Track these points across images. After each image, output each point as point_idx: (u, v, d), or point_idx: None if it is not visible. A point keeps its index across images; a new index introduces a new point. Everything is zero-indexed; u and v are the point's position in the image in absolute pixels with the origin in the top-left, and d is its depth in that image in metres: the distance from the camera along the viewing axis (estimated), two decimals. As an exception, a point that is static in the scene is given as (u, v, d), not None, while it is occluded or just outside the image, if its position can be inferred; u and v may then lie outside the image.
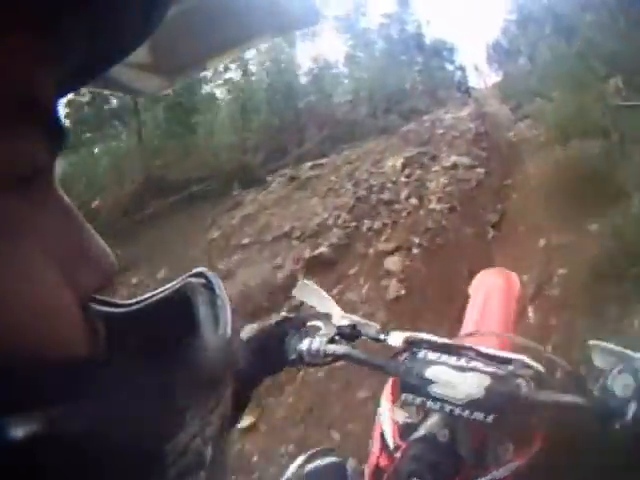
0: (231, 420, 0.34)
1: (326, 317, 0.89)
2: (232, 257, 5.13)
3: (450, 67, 27.55)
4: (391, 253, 4.54)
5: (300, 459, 1.01)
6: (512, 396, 0.72)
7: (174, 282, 0.35)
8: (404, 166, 6.74)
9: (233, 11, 0.40)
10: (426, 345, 0.83)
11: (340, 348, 0.85)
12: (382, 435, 0.89)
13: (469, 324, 1.27)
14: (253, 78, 12.34)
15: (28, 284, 0.20)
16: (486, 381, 0.75)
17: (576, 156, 4.71)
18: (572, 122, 5.35)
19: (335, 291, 3.98)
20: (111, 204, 6.72)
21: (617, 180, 3.55)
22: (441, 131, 9.78)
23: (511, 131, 9.37)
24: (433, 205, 5.41)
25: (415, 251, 4.55)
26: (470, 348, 0.80)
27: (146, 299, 0.34)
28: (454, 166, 6.68)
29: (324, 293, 0.94)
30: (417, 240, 4.66)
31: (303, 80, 13.82)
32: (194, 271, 0.36)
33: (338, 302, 0.97)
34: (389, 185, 6.24)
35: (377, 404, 0.94)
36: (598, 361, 0.74)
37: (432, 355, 0.81)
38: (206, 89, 10.34)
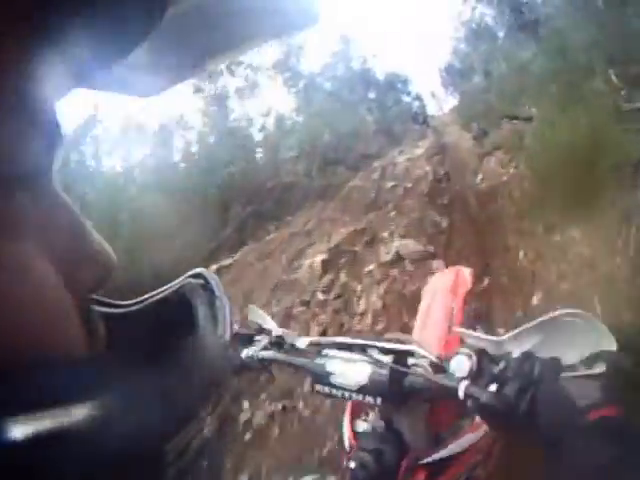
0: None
1: (268, 332, 1.00)
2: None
3: (407, 99, 26.23)
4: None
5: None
6: (392, 381, 0.80)
7: (173, 283, 0.34)
8: (325, 269, 4.83)
9: (233, 12, 0.39)
10: (328, 345, 0.92)
11: (268, 353, 0.95)
12: (347, 437, 0.92)
13: (417, 325, 1.33)
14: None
15: (26, 284, 0.20)
16: (368, 369, 0.82)
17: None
18: (569, 148, 3.80)
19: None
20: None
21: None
22: (391, 184, 8.53)
23: (478, 173, 7.38)
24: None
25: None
26: (367, 345, 0.87)
27: (146, 299, 0.33)
28: (397, 259, 4.78)
29: (267, 316, 1.07)
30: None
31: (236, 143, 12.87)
32: (193, 271, 0.35)
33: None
34: (298, 310, 4.47)
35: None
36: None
37: (331, 352, 0.89)
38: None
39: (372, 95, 24.40)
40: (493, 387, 0.70)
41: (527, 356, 0.70)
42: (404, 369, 0.81)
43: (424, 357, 0.84)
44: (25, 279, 0.20)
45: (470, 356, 0.76)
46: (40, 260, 0.21)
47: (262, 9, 0.40)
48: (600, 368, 0.72)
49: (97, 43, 0.23)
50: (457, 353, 0.77)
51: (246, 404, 2.92)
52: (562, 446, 0.61)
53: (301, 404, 2.96)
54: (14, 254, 0.20)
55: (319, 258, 5.12)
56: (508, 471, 1.03)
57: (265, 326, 1.05)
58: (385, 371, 0.81)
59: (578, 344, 0.73)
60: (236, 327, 1.17)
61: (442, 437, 0.91)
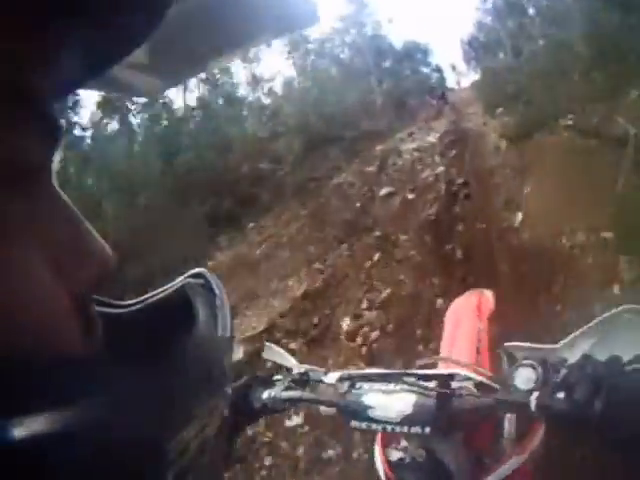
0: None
1: (288, 371, 0.96)
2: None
3: (425, 70, 24.46)
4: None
5: None
6: (440, 407, 0.75)
7: (173, 283, 0.34)
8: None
9: (233, 12, 0.39)
10: (360, 378, 0.87)
11: (293, 393, 0.90)
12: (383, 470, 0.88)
13: (443, 350, 1.29)
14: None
15: (23, 283, 0.21)
16: (412, 398, 0.78)
17: None
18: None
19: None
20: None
21: None
22: (387, 190, 6.57)
23: (518, 207, 4.66)
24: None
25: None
26: (405, 373, 0.83)
27: (146, 299, 0.34)
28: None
29: (283, 351, 1.05)
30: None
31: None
32: (193, 271, 0.36)
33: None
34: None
35: None
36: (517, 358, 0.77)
37: (366, 385, 0.85)
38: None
39: (387, 64, 22.49)
40: (561, 395, 0.65)
41: (586, 358, 0.67)
42: (451, 392, 0.75)
43: (469, 379, 0.77)
44: (21, 278, 0.20)
45: (534, 367, 0.71)
46: (36, 259, 0.21)
47: (262, 9, 0.40)
48: None
49: (98, 43, 0.24)
50: (519, 366, 0.72)
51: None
52: None
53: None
54: (9, 253, 0.20)
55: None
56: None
57: (285, 364, 0.98)
58: (431, 397, 0.76)
59: (636, 341, 0.70)
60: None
61: (485, 463, 0.84)
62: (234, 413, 0.90)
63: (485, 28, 18.86)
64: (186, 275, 0.36)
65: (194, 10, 0.35)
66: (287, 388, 0.91)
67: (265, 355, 1.07)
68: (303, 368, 0.95)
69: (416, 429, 0.76)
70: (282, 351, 1.03)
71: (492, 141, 7.70)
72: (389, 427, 0.78)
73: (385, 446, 0.90)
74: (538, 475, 0.92)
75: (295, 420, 2.77)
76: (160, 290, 0.35)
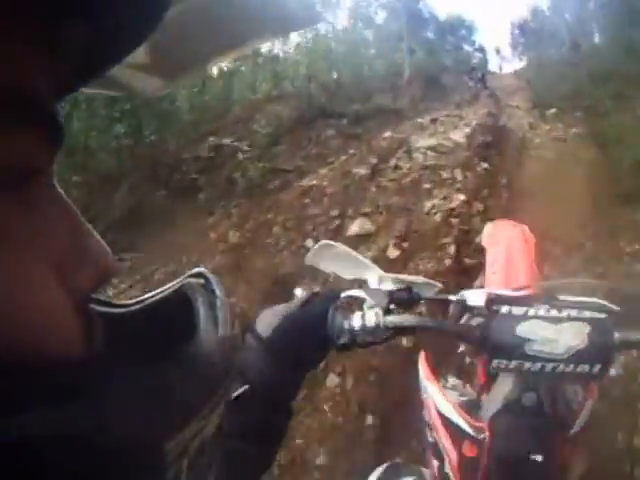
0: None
1: (364, 284, 0.73)
2: None
3: (467, 48, 20.80)
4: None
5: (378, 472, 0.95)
6: (612, 341, 0.66)
7: (173, 282, 0.35)
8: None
9: (233, 11, 0.38)
10: (504, 300, 0.70)
11: (405, 318, 0.68)
12: (446, 424, 0.77)
13: (494, 277, 1.15)
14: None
15: (24, 285, 0.21)
16: (586, 329, 0.65)
17: None
18: None
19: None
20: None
21: None
22: (357, 230, 4.19)
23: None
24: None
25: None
26: (553, 297, 0.71)
27: (146, 299, 0.35)
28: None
29: (354, 253, 0.75)
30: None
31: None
32: (193, 271, 0.37)
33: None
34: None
35: None
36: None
37: (518, 310, 0.68)
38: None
39: (425, 34, 20.39)
40: None
41: None
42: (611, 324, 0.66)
43: (605, 308, 0.69)
44: (21, 280, 0.21)
45: None
46: (37, 262, 0.22)
47: (262, 9, 0.39)
48: None
49: (97, 43, 0.25)
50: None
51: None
52: None
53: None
54: (10, 255, 0.21)
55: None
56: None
57: (351, 276, 0.75)
58: (605, 329, 0.66)
59: None
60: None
61: (571, 406, 0.77)
62: (298, 351, 0.67)
63: (540, 15, 17.67)
64: (186, 275, 0.36)
65: (194, 10, 0.34)
66: (388, 311, 0.69)
67: (310, 260, 0.77)
68: (395, 280, 0.71)
69: (585, 367, 0.65)
70: (350, 251, 0.75)
71: (545, 157, 5.00)
72: (549, 365, 0.65)
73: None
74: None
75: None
76: (160, 290, 0.35)
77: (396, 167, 5.37)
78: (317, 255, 0.78)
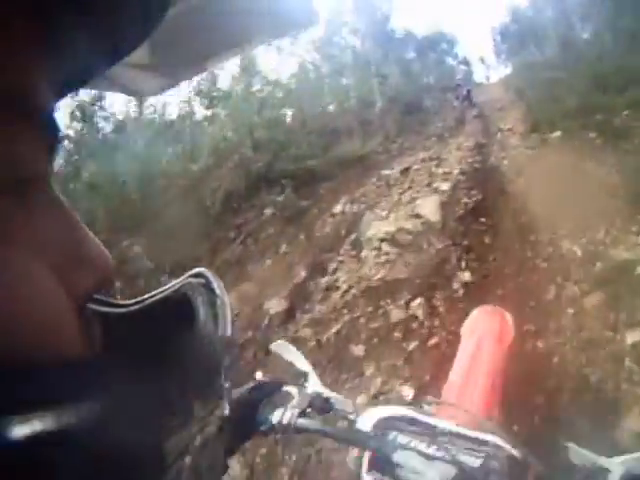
0: None
1: (303, 378, 0.85)
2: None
3: (452, 62, 19.79)
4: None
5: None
6: None
7: (174, 282, 0.36)
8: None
9: (233, 12, 0.38)
10: (399, 426, 0.78)
11: (312, 423, 0.77)
12: None
13: (457, 373, 1.21)
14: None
15: (24, 287, 0.21)
16: (452, 472, 0.70)
17: None
18: None
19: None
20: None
21: None
22: None
23: None
24: None
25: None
26: (446, 431, 0.76)
27: (146, 299, 0.35)
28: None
29: (299, 354, 0.91)
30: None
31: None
32: (194, 271, 0.37)
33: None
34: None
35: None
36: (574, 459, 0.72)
37: (403, 439, 0.75)
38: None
39: (401, 55, 18.25)
40: None
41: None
42: (488, 471, 0.71)
43: (502, 450, 0.73)
44: (21, 282, 0.21)
45: None
46: (37, 264, 0.23)
47: (261, 9, 0.39)
48: None
49: (97, 43, 0.25)
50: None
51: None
52: None
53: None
54: (10, 257, 0.21)
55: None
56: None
57: (298, 368, 0.88)
58: (472, 475, 0.71)
59: None
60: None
61: None
62: (234, 431, 0.73)
63: (521, 16, 16.30)
64: (187, 275, 0.37)
65: (194, 10, 0.34)
66: (303, 414, 0.78)
67: (275, 348, 0.93)
68: (323, 389, 0.84)
69: None
70: (296, 351, 0.91)
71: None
72: None
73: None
74: None
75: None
76: (160, 290, 0.36)
77: (327, 289, 3.29)
78: (278, 347, 0.88)
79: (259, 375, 0.91)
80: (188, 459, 0.25)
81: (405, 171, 6.83)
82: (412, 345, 3.00)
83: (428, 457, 0.71)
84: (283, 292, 4.22)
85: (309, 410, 0.77)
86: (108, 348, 0.27)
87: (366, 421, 0.77)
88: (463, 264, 3.94)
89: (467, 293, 3.58)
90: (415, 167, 6.87)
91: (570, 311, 3.01)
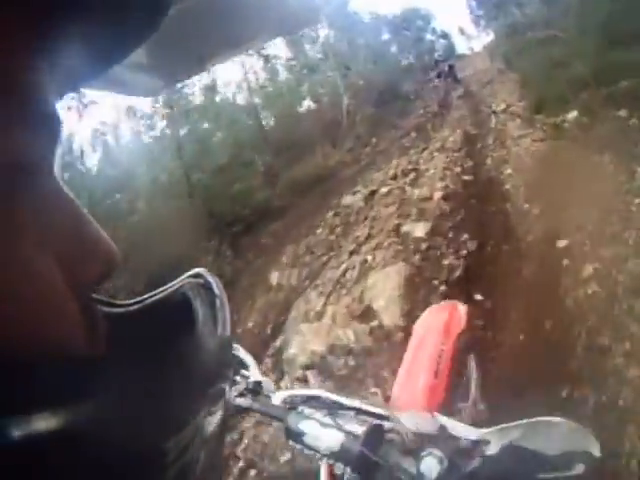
0: None
1: (246, 376, 0.98)
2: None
3: (431, 37, 17.18)
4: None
5: None
6: (361, 457, 0.77)
7: (173, 282, 0.36)
8: None
9: (233, 12, 0.38)
10: (303, 402, 0.91)
11: (244, 401, 0.94)
12: None
13: (403, 366, 1.30)
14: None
15: (29, 281, 0.21)
16: (341, 437, 0.81)
17: None
18: None
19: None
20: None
21: None
22: None
23: None
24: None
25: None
26: (345, 406, 0.86)
27: (145, 299, 0.36)
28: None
29: (250, 357, 1.04)
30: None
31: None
32: (193, 271, 0.38)
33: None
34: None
35: None
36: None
37: (307, 411, 0.89)
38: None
39: (383, 38, 16.65)
40: None
41: (505, 451, 0.69)
42: (377, 441, 0.80)
43: (400, 432, 0.82)
44: (24, 276, 0.21)
45: (441, 460, 0.75)
46: (41, 256, 0.23)
47: (262, 9, 0.39)
48: (578, 469, 0.73)
49: (98, 43, 0.25)
50: (429, 454, 0.77)
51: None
52: None
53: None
54: (13, 250, 0.21)
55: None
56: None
57: (245, 368, 1.04)
58: (356, 444, 0.81)
59: (560, 441, 0.73)
60: None
61: None
62: None
63: None
64: (186, 275, 0.37)
65: (194, 10, 0.33)
66: (240, 394, 0.96)
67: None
68: (259, 378, 1.00)
69: (340, 466, 0.83)
70: (246, 353, 1.06)
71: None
72: (318, 455, 0.86)
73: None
74: None
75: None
76: (160, 290, 0.36)
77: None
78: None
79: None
80: (188, 459, 0.24)
81: (370, 197, 5.13)
82: None
83: (323, 425, 0.81)
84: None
85: (245, 392, 0.90)
86: (108, 348, 0.27)
87: (278, 397, 0.90)
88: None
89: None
90: (383, 190, 5.08)
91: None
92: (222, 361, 0.30)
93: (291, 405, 0.86)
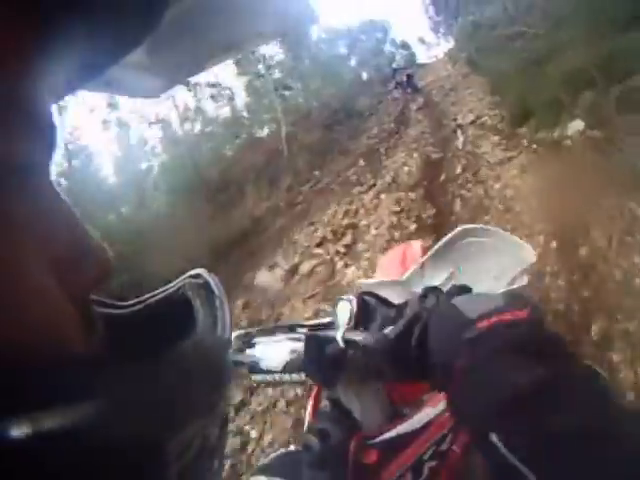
0: None
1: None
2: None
3: (391, 49, 16.28)
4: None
5: None
6: (308, 350, 0.73)
7: (173, 283, 0.37)
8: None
9: (232, 12, 0.37)
10: (255, 334, 0.88)
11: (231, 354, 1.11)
12: None
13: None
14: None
15: (23, 284, 0.21)
16: (289, 345, 0.80)
17: None
18: None
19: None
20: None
21: None
22: None
23: None
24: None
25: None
26: (296, 325, 0.83)
27: (145, 300, 0.36)
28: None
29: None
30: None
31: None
32: (193, 272, 0.38)
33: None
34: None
35: None
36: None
37: (257, 339, 0.88)
38: None
39: (338, 51, 16.37)
40: (388, 330, 0.68)
41: (427, 291, 0.67)
42: (317, 336, 0.77)
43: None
44: (22, 281, 0.21)
45: (350, 301, 0.75)
46: (37, 261, 0.22)
47: (261, 9, 0.39)
48: (521, 282, 0.75)
49: (96, 43, 0.25)
50: (339, 300, 0.77)
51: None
52: (455, 372, 0.53)
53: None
54: (7, 254, 0.20)
55: None
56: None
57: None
58: (301, 342, 0.82)
59: (497, 263, 0.75)
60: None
61: (404, 414, 0.84)
62: None
63: None
64: (186, 275, 0.37)
65: (193, 10, 0.34)
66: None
67: None
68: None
69: (295, 376, 0.80)
70: None
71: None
72: (277, 376, 0.83)
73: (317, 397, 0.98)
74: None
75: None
76: (160, 290, 0.36)
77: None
78: None
79: None
80: (189, 459, 0.24)
81: (290, 275, 3.40)
82: None
83: (274, 343, 0.78)
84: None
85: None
86: (107, 348, 0.27)
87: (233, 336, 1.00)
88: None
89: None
90: (305, 267, 3.35)
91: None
92: (222, 361, 0.30)
93: (243, 342, 0.83)
